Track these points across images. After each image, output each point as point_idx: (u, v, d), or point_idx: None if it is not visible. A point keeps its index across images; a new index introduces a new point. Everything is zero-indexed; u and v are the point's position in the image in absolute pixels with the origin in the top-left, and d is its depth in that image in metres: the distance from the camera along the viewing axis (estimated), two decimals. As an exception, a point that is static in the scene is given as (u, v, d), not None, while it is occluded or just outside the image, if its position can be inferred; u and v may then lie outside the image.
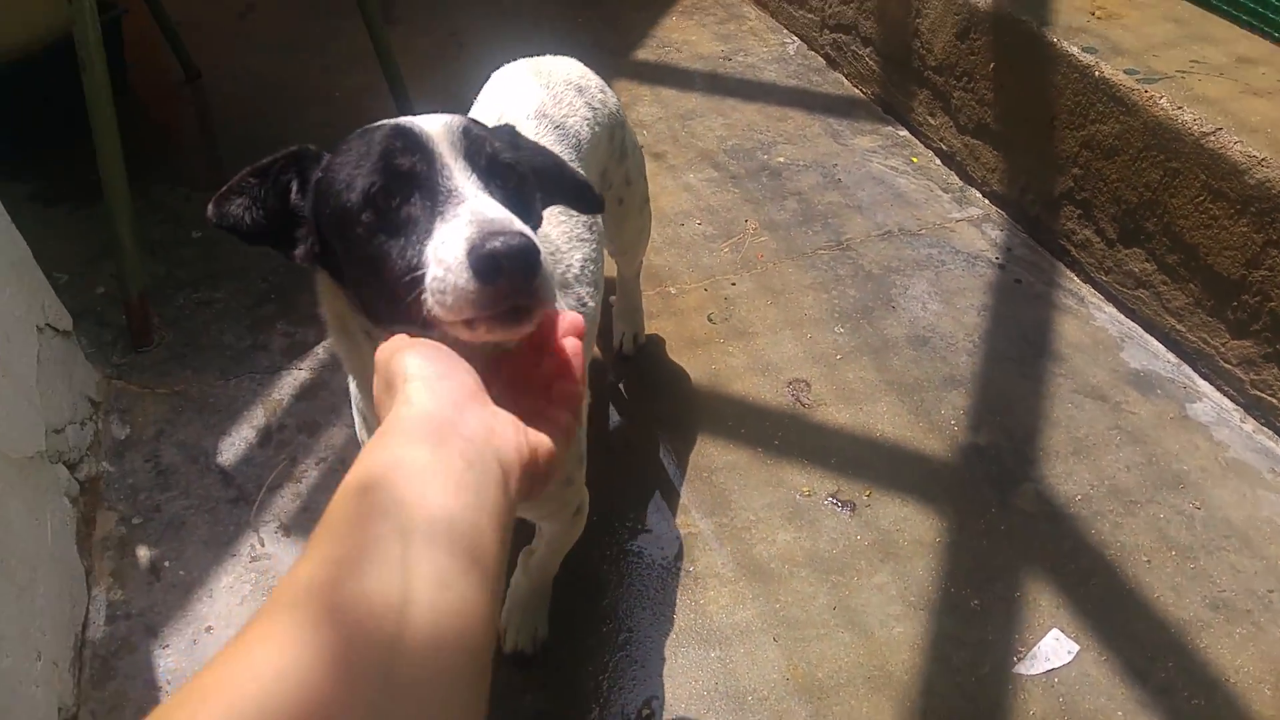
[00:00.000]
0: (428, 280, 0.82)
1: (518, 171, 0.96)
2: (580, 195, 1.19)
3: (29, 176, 2.94)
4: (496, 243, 0.78)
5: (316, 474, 2.10)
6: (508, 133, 1.08)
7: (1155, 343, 2.45)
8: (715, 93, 3.38)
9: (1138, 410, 2.28)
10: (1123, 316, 2.52)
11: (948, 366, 2.38)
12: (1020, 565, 1.98)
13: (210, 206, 0.97)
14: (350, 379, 1.30)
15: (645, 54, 3.61)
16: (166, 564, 1.92)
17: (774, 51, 3.62)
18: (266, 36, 3.78)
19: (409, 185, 0.89)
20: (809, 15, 3.56)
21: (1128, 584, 1.95)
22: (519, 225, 0.81)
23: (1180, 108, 2.21)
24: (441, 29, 3.78)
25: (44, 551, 1.70)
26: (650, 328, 2.45)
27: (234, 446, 2.16)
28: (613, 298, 2.39)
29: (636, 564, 1.94)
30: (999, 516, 2.06)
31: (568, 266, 1.53)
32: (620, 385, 2.35)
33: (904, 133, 3.18)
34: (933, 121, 3.04)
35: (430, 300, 0.82)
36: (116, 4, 3.18)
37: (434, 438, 0.64)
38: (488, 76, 1.84)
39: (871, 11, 3.18)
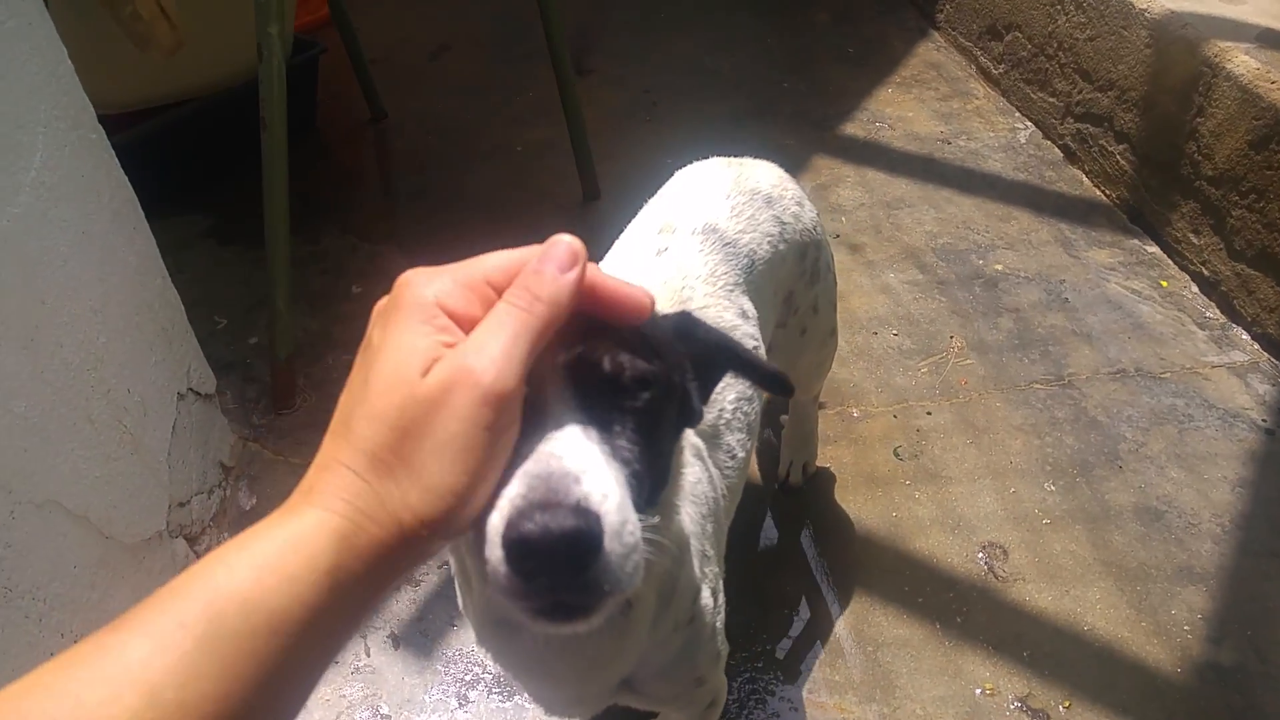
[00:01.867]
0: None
1: (649, 384, 0.76)
2: (765, 382, 0.99)
3: (209, 211, 2.98)
4: (533, 523, 0.60)
5: (436, 579, 1.96)
6: (678, 323, 0.90)
7: None
8: (929, 180, 3.05)
9: None
10: None
11: (1185, 553, 1.96)
12: (1265, 840, 1.55)
13: None
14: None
15: (853, 128, 3.33)
16: None
17: (1002, 138, 3.24)
18: (455, 80, 3.75)
19: None
20: (1050, 99, 3.16)
21: None
22: (588, 486, 0.63)
23: None
24: (636, 84, 3.65)
25: None
26: (824, 455, 2.17)
27: None
28: (783, 417, 2.13)
29: (777, 755, 1.67)
30: (1240, 766, 1.64)
31: (719, 411, 1.32)
32: (780, 522, 2.08)
33: (1153, 249, 2.73)
34: (1196, 241, 2.58)
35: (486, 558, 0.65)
36: (316, 42, 3.25)
37: None
38: (680, 141, 1.65)
39: (1135, 103, 2.76)
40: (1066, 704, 1.72)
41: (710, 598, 1.17)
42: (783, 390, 0.98)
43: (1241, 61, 2.37)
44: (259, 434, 2.27)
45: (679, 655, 1.13)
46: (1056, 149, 3.15)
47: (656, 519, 0.70)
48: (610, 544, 0.61)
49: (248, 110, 2.97)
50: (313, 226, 2.89)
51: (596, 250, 1.48)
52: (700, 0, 4.26)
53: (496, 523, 0.62)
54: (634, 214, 1.56)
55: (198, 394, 2.03)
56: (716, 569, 1.22)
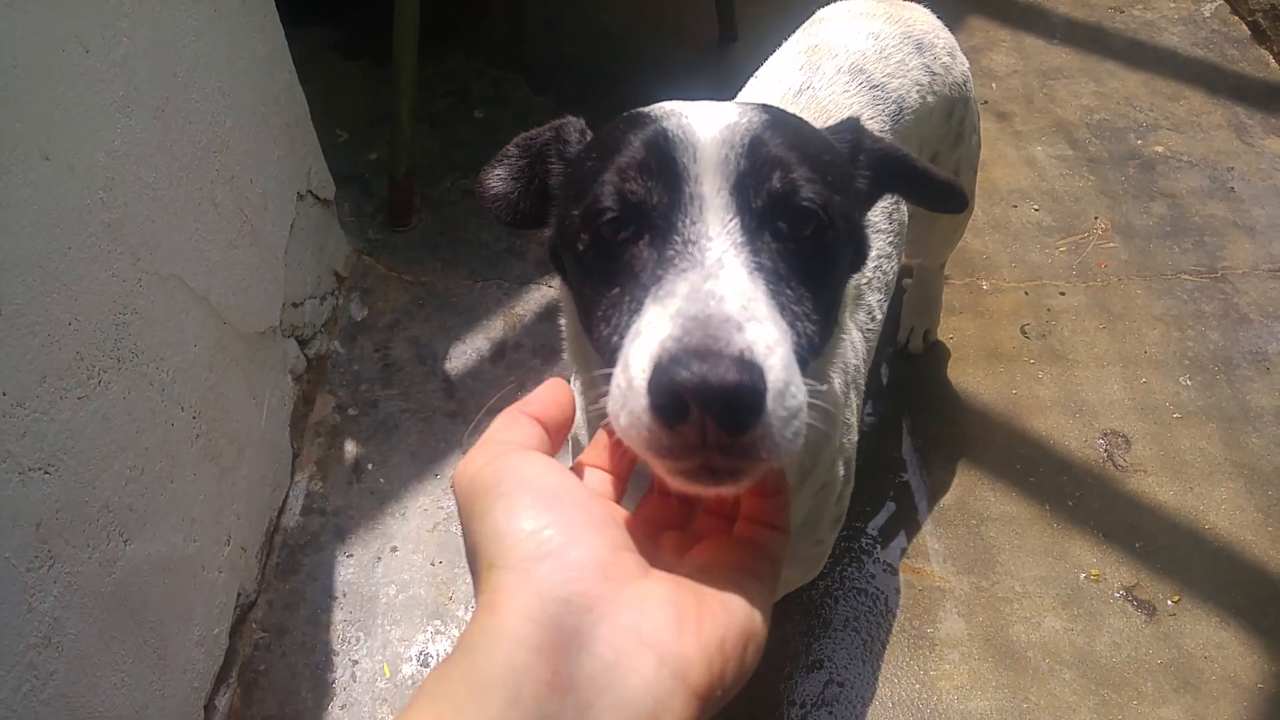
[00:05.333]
0: (614, 377, 0.59)
1: (819, 217, 0.67)
2: (940, 195, 0.90)
3: (337, 23, 2.92)
4: (688, 371, 0.51)
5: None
6: (848, 130, 0.82)
7: None
8: (1093, 51, 2.80)
9: None
10: None
11: (1327, 463, 1.84)
12: (1369, 753, 1.50)
13: (480, 174, 0.83)
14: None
15: (1015, -10, 3.06)
16: (370, 466, 1.88)
17: (1184, 10, 2.92)
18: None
19: (640, 221, 0.66)
20: (1243, -31, 2.83)
21: None
22: (752, 336, 0.54)
23: None
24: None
25: (255, 432, 1.68)
26: (947, 326, 2.08)
27: (465, 355, 2.07)
28: (906, 281, 2.05)
29: (867, 608, 1.67)
30: (1354, 679, 1.57)
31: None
32: (894, 388, 2.02)
33: (1341, 142, 2.47)
34: (1390, 135, 2.32)
35: (610, 410, 0.58)
36: None
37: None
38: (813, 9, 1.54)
39: (1339, -24, 2.45)
40: (1175, 598, 1.67)
41: (844, 467, 1.11)
42: (958, 205, 0.91)
43: None
44: (374, 249, 2.29)
45: (805, 521, 1.09)
46: (1245, 25, 2.83)
47: (824, 386, 0.63)
48: (773, 404, 0.53)
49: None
50: (439, 47, 2.83)
51: (731, 94, 1.42)
52: None
53: (640, 365, 0.55)
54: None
55: (317, 197, 2.04)
56: (854, 437, 1.16)
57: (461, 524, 0.54)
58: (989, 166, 2.46)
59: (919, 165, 0.87)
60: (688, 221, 0.63)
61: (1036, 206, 2.36)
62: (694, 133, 0.67)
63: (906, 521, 1.79)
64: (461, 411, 1.97)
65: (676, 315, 0.56)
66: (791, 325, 0.63)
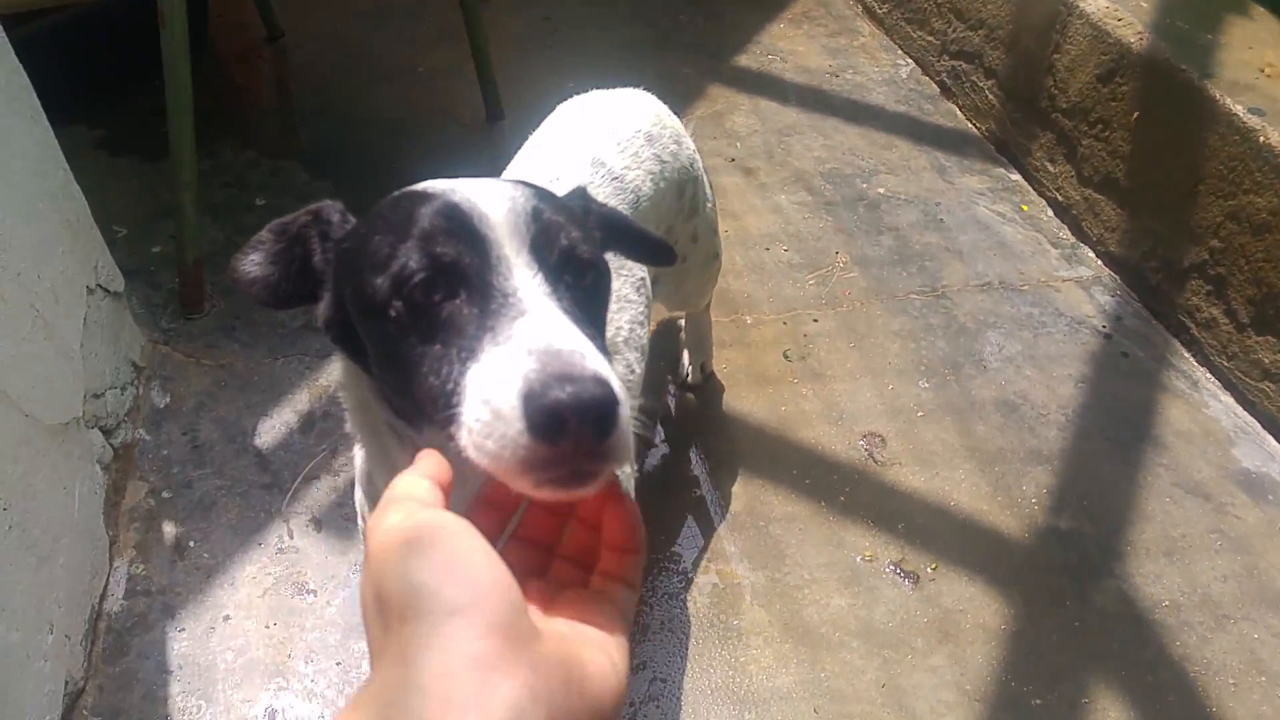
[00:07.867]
0: (464, 418, 0.66)
1: (595, 266, 0.80)
2: (653, 253, 1.10)
3: (99, 122, 2.92)
4: (563, 393, 0.60)
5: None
6: (579, 197, 0.98)
7: (1274, 443, 2.23)
8: (817, 110, 3.22)
9: (1244, 515, 2.09)
10: (1240, 409, 2.30)
11: (1035, 439, 2.21)
12: (1091, 668, 1.82)
13: (232, 263, 0.87)
14: (357, 449, 1.10)
15: (747, 60, 3.46)
16: (192, 544, 1.88)
17: (885, 72, 3.44)
18: (355, 2, 3.70)
19: (454, 280, 0.73)
20: (928, 38, 3.37)
21: (1208, 706, 1.78)
22: (594, 362, 0.64)
23: (1342, 191, 2.00)
24: (535, 10, 3.68)
25: (69, 521, 1.66)
26: (720, 359, 2.32)
27: (274, 430, 2.10)
28: (680, 321, 2.27)
29: (679, 610, 1.83)
30: (1074, 611, 1.90)
31: (616, 329, 1.41)
32: (681, 416, 2.23)
33: (1016, 177, 2.98)
34: (1051, 169, 2.83)
35: (468, 443, 0.66)
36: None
37: None
38: (580, 66, 1.71)
39: (1002, 41, 2.99)
40: (934, 566, 1.95)
41: None
42: (669, 259, 1.10)
43: (1093, 0, 2.61)
44: (169, 337, 2.27)
45: None
46: (934, 84, 3.37)
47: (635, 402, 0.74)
48: (623, 411, 0.63)
49: (137, 19, 2.87)
50: (211, 141, 2.83)
51: (502, 169, 1.57)
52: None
53: (505, 397, 0.62)
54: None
55: (106, 290, 2.02)
56: None
57: (369, 578, 0.55)
58: (742, 216, 2.77)
59: (635, 226, 1.06)
60: (501, 279, 0.72)
61: (785, 248, 2.68)
62: (481, 205, 0.76)
63: (705, 530, 1.97)
64: (277, 483, 2.00)
65: (528, 353, 0.64)
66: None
